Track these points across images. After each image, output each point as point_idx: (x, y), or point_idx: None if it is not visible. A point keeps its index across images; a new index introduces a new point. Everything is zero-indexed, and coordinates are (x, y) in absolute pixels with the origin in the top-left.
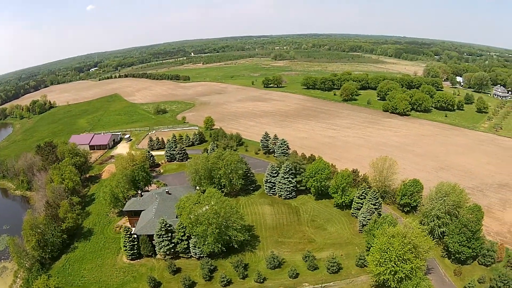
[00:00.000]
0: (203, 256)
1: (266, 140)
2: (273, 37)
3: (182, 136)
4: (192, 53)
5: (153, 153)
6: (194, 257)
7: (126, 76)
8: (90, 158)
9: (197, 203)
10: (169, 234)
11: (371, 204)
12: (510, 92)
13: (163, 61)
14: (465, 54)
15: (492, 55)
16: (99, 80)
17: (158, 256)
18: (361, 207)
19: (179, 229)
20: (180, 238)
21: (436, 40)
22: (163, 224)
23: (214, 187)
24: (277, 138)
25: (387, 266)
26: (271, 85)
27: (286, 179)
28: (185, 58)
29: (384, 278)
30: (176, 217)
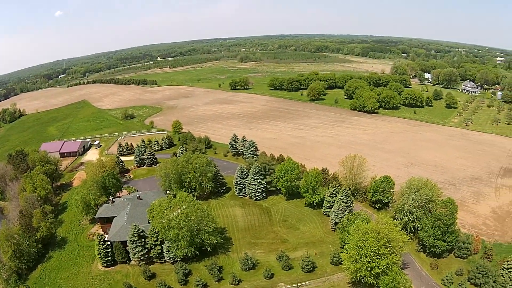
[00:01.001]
0: (177, 261)
1: (235, 142)
2: (239, 39)
3: (151, 141)
4: (158, 57)
5: (123, 158)
6: (168, 262)
7: (94, 82)
8: (61, 165)
9: (168, 208)
10: (142, 240)
11: (343, 202)
12: (479, 87)
13: (130, 66)
14: (433, 51)
15: (461, 51)
16: (68, 86)
17: (132, 262)
18: (333, 205)
19: (152, 234)
20: (153, 243)
21: (403, 38)
22: (136, 230)
23: (185, 191)
24: (246, 140)
25: (363, 262)
26: (238, 87)
27: (256, 181)
28: (152, 62)
29: (361, 274)
30: (148, 222)
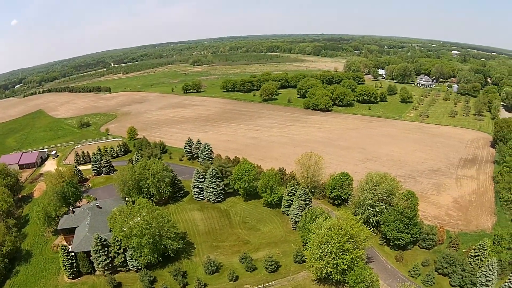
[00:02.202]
0: (141, 268)
1: (190, 145)
2: (190, 43)
3: (107, 148)
4: (112, 64)
5: (80, 167)
6: (132, 270)
7: (49, 91)
8: (21, 177)
9: (129, 215)
10: (105, 249)
11: (301, 200)
12: (434, 81)
13: (84, 73)
14: (386, 47)
15: (415, 46)
16: (24, 96)
17: (97, 272)
18: (291, 204)
19: (114, 242)
20: (117, 251)
21: (356, 35)
22: (98, 239)
23: (143, 197)
24: (201, 143)
25: (328, 259)
26: (191, 90)
27: (213, 183)
28: (105, 69)
29: (327, 271)
30: (110, 231)
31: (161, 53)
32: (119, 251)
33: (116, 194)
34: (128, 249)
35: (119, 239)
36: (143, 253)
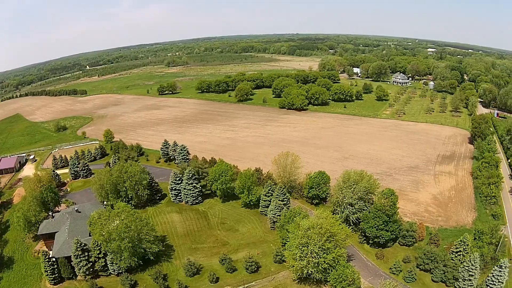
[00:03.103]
0: (122, 272)
1: (166, 147)
2: (165, 44)
3: (84, 152)
4: (87, 66)
5: (58, 171)
6: (113, 274)
7: (26, 94)
8: (0, 183)
9: (107, 219)
10: (86, 254)
11: (279, 200)
12: (410, 78)
13: (61, 76)
14: (361, 46)
15: (390, 44)
16: (1, 101)
17: (79, 277)
18: (269, 204)
19: (94, 247)
20: (97, 256)
21: (331, 34)
22: (78, 244)
23: (122, 201)
24: (177, 145)
25: (309, 259)
26: (166, 92)
27: (190, 185)
28: (81, 72)
29: (308, 271)
30: (90, 235)
31: (136, 54)
32: (99, 256)
33: (94, 198)
34: (108, 253)
35: (98, 244)
36: (123, 257)
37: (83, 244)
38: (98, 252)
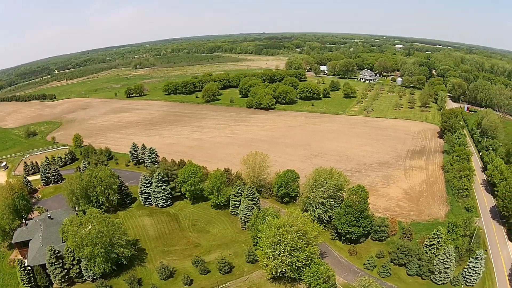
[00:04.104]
0: (96, 278)
1: (135, 150)
2: (133, 46)
3: (54, 157)
4: (56, 71)
5: (30, 178)
6: (88, 280)
7: None
8: None
9: (80, 225)
10: (60, 261)
11: (249, 200)
12: (378, 75)
13: (30, 81)
14: (328, 43)
15: (357, 41)
16: None
17: (55, 285)
18: (239, 204)
19: (68, 253)
20: (71, 263)
21: (297, 33)
22: (52, 252)
23: (93, 206)
24: (145, 147)
25: (282, 258)
26: (134, 94)
27: (160, 188)
28: (50, 76)
29: (282, 270)
30: (63, 242)
31: (104, 57)
32: (74, 262)
33: (66, 204)
34: (82, 260)
35: (72, 250)
36: (97, 263)
37: (57, 251)
38: (72, 258)
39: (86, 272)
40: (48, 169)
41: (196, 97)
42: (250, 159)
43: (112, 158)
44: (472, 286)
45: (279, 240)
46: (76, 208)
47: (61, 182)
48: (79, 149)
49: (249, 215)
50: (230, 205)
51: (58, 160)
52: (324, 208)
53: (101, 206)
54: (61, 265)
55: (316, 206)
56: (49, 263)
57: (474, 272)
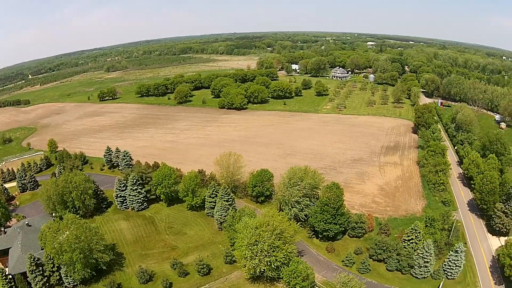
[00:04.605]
0: (77, 284)
1: (109, 154)
2: (105, 49)
3: (30, 164)
4: (30, 75)
5: (7, 185)
6: (69, 287)
7: None
8: None
9: (57, 231)
10: (40, 268)
11: (224, 201)
12: (350, 72)
13: (4, 87)
14: (299, 42)
15: (329, 39)
16: None
17: None
18: (215, 205)
19: (47, 260)
20: (51, 270)
21: (268, 32)
22: (32, 259)
23: (69, 211)
24: (119, 151)
25: (260, 257)
26: (106, 98)
27: (135, 191)
28: (23, 81)
29: (260, 269)
30: (42, 249)
31: (77, 61)
32: (53, 269)
33: (43, 210)
34: (62, 266)
35: (51, 257)
36: (76, 269)
37: (36, 259)
38: (52, 265)
39: (66, 278)
40: (24, 175)
41: (169, 98)
42: (224, 160)
43: (86, 163)
44: (454, 279)
45: (256, 240)
46: (53, 214)
47: (38, 188)
48: (54, 154)
49: (225, 216)
50: (205, 206)
51: (34, 166)
52: (300, 207)
53: (78, 212)
54: (41, 272)
55: (292, 205)
56: (29, 271)
57: (454, 265)
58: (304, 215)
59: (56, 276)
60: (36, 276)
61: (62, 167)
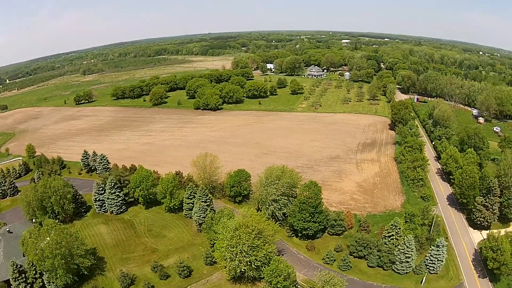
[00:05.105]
0: None
1: (86, 158)
2: (81, 52)
3: (9, 169)
4: (7, 80)
5: None
6: None
7: None
8: None
9: (38, 237)
10: (23, 275)
11: (202, 202)
12: (325, 70)
13: None
14: (273, 41)
15: (303, 38)
16: None
17: None
18: (193, 207)
19: (30, 267)
20: (34, 276)
21: (243, 32)
22: (15, 266)
23: (49, 217)
24: (96, 154)
25: (240, 258)
26: (83, 101)
27: (113, 194)
28: (1, 86)
29: (241, 270)
30: (24, 256)
31: (53, 65)
32: (36, 276)
33: (23, 216)
34: (44, 273)
35: (33, 263)
36: (58, 275)
37: (19, 266)
38: (35, 272)
39: (49, 285)
40: (3, 181)
41: (144, 100)
42: (201, 161)
43: (64, 167)
44: (436, 273)
45: (236, 241)
46: (34, 220)
47: (18, 194)
48: (32, 159)
49: (203, 217)
50: (183, 208)
51: (13, 172)
52: (278, 206)
53: (58, 217)
54: (24, 279)
55: (269, 203)
56: (12, 278)
57: (436, 259)
58: (283, 214)
59: (39, 282)
60: (19, 284)
61: (40, 172)
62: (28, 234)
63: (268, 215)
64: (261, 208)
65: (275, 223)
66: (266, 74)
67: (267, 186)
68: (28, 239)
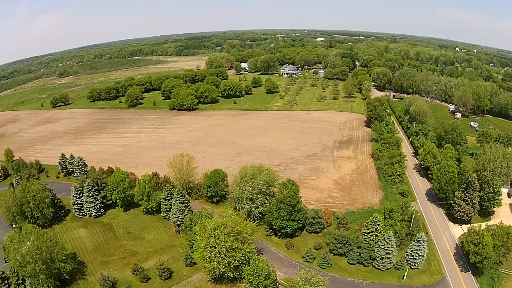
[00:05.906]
0: None
1: (64, 161)
2: (56, 54)
3: None
4: None
5: None
6: None
7: None
8: None
9: (19, 242)
10: (6, 282)
11: (180, 203)
12: (300, 69)
13: None
14: (248, 40)
15: (278, 37)
16: None
17: None
18: (171, 208)
19: (12, 273)
20: (16, 282)
21: (217, 32)
22: None
23: (29, 222)
24: (74, 157)
25: (219, 259)
26: (59, 104)
27: (91, 197)
28: None
29: (220, 271)
30: (6, 262)
31: (30, 68)
32: (18, 282)
33: (3, 222)
34: (26, 278)
35: (15, 269)
36: (40, 280)
37: (1, 272)
38: (17, 278)
39: None
40: None
41: (120, 102)
42: (177, 162)
43: (42, 171)
44: (418, 268)
45: (215, 242)
46: (14, 226)
47: None
48: (11, 164)
49: (181, 218)
50: (161, 209)
51: None
52: (254, 204)
53: (37, 221)
54: (7, 286)
55: (245, 201)
56: None
57: (417, 255)
58: (260, 213)
59: None
60: None
61: (19, 177)
62: (9, 240)
63: (243, 213)
64: (238, 207)
65: (253, 222)
66: (241, 74)
67: (242, 185)
68: (9, 244)
